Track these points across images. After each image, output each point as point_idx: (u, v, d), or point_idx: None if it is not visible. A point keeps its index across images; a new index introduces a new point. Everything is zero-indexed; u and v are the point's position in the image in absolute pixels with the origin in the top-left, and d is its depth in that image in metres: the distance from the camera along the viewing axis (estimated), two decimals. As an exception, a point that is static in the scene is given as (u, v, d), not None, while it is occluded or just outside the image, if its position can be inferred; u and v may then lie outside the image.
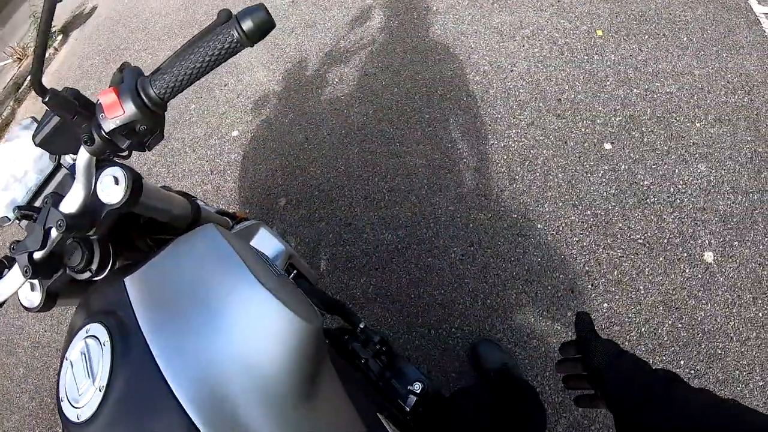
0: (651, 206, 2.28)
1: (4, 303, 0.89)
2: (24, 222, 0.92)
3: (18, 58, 6.42)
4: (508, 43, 3.04)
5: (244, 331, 0.73)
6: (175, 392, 0.66)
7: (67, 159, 1.03)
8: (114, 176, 0.88)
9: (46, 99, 0.77)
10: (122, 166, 0.90)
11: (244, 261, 0.79)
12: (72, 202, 0.83)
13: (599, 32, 2.93)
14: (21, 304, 0.94)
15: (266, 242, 1.38)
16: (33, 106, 5.52)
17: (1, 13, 10.47)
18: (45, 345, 2.96)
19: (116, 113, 0.74)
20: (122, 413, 0.68)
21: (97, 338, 0.74)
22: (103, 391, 0.68)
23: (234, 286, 0.76)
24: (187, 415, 0.65)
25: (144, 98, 0.75)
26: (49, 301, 0.93)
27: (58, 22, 6.32)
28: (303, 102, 3.24)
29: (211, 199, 3.01)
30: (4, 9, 10.35)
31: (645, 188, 2.33)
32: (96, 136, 0.76)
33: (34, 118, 1.03)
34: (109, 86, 0.77)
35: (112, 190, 0.88)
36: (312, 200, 2.78)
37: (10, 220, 0.98)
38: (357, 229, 2.58)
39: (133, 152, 0.82)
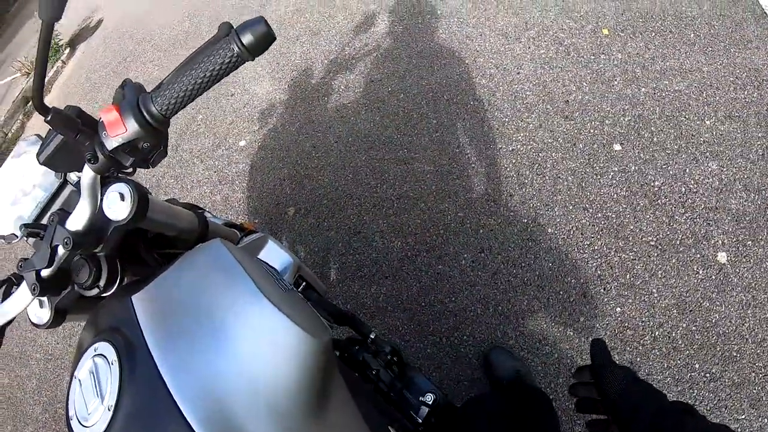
0: (662, 207, 2.26)
1: (12, 320, 0.90)
2: (32, 239, 0.92)
3: (26, 72, 6.50)
4: (514, 45, 3.02)
5: (251, 347, 0.73)
6: (182, 410, 0.65)
7: (73, 176, 1.03)
8: (119, 192, 0.88)
9: (48, 118, 0.77)
10: (128, 181, 0.90)
11: (250, 276, 0.78)
12: (78, 220, 0.83)
13: (605, 31, 2.90)
14: (30, 320, 0.94)
15: (274, 255, 1.36)
16: (42, 120, 5.55)
17: (8, 29, 10.61)
18: (57, 357, 3.00)
19: (118, 131, 0.74)
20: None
21: (105, 357, 0.74)
22: (112, 411, 0.68)
23: (241, 302, 0.76)
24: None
25: (146, 115, 0.75)
26: (58, 317, 0.93)
27: (65, 36, 6.39)
28: (309, 110, 3.25)
29: (220, 210, 3.02)
30: (11, 24, 10.48)
31: (656, 189, 2.30)
32: (99, 154, 0.77)
33: (38, 136, 1.03)
34: (112, 103, 0.77)
35: (117, 206, 0.87)
36: (320, 209, 2.79)
37: (17, 237, 0.98)
38: (366, 237, 2.58)
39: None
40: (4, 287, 0.95)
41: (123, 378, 0.70)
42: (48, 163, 0.86)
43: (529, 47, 2.98)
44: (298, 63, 3.64)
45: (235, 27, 0.72)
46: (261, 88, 3.58)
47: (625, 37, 2.84)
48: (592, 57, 2.82)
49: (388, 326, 2.30)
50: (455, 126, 2.80)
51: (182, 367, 0.70)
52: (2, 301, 0.90)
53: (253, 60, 0.73)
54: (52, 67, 6.21)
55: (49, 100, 5.62)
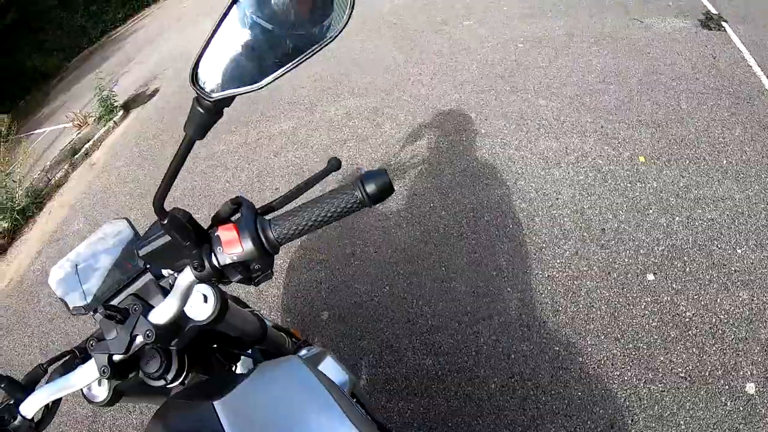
0: (693, 338, 2.31)
1: (69, 394, 0.90)
2: (98, 316, 0.91)
3: (78, 124, 6.90)
4: (554, 170, 3.18)
5: None
6: None
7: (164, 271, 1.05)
8: (204, 294, 0.91)
9: (165, 222, 0.78)
10: (211, 284, 0.92)
11: (334, 398, 0.81)
12: (162, 315, 0.86)
13: (641, 158, 3.05)
14: (84, 395, 0.94)
15: (332, 371, 1.35)
16: (88, 173, 5.87)
17: (67, 78, 11.37)
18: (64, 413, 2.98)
19: (234, 250, 0.79)
20: None
21: None
22: None
23: (327, 425, 0.78)
24: None
25: (263, 240, 0.80)
26: (114, 398, 0.94)
27: (120, 98, 6.84)
28: (351, 217, 3.39)
29: (252, 304, 3.12)
30: (71, 74, 11.24)
31: (687, 320, 2.36)
32: (207, 264, 0.81)
33: (128, 221, 1.07)
34: (217, 215, 0.85)
35: (200, 307, 0.90)
36: (354, 317, 2.86)
37: (84, 311, 0.98)
38: (398, 351, 2.63)
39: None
40: (64, 359, 0.97)
41: None
42: (147, 257, 0.88)
43: (569, 172, 3.14)
44: (344, 167, 3.80)
45: (361, 175, 0.77)
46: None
47: (660, 165, 2.98)
48: (629, 185, 2.95)
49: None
50: (494, 248, 2.92)
51: None
52: (64, 373, 0.91)
53: (370, 207, 0.77)
54: (104, 125, 6.64)
55: (95, 158, 6.01)
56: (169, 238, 0.82)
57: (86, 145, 6.45)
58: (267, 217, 0.84)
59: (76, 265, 1.01)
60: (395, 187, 3.39)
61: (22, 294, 4.46)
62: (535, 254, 2.81)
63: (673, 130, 3.14)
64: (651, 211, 2.79)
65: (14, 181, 5.83)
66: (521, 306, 2.62)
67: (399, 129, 3.99)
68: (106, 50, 13.17)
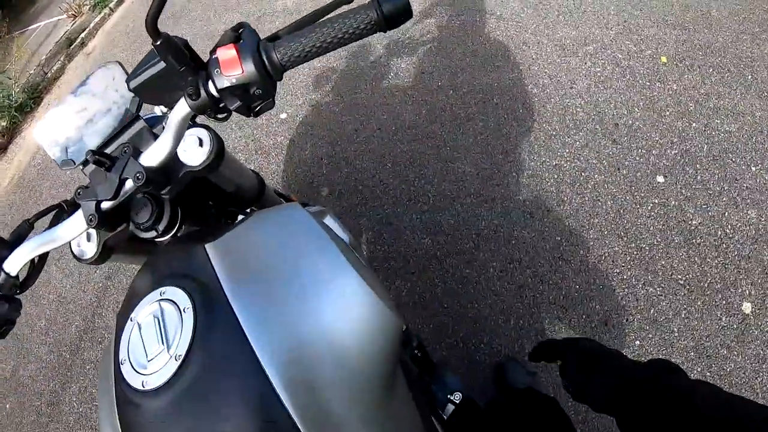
0: (696, 247, 2.25)
1: (57, 247, 0.87)
2: (88, 169, 0.88)
3: (72, 14, 6.51)
4: (570, 59, 3.00)
5: (336, 316, 0.70)
6: (265, 369, 0.63)
7: (157, 110, 1.01)
8: (199, 137, 0.89)
9: (158, 42, 0.72)
10: (207, 128, 0.90)
11: (336, 246, 0.76)
12: (154, 156, 0.81)
13: (663, 59, 2.87)
14: (72, 252, 0.93)
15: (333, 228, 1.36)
16: (84, 63, 5.61)
17: None
18: (69, 301, 3.03)
19: (234, 71, 0.72)
20: (202, 385, 0.64)
21: (175, 303, 0.71)
22: (180, 360, 0.65)
23: (328, 269, 0.73)
24: (276, 393, 0.62)
25: (266, 61, 0.73)
26: (104, 254, 0.92)
27: None
28: (355, 92, 3.24)
29: None
30: None
31: (693, 228, 2.29)
32: (202, 91, 0.74)
33: (119, 63, 1.00)
34: (218, 44, 0.75)
35: (194, 151, 0.88)
36: (355, 194, 2.79)
37: (74, 164, 0.94)
38: (398, 229, 2.59)
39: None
40: (53, 212, 0.94)
41: (197, 327, 0.67)
42: (138, 90, 0.82)
43: (586, 63, 2.96)
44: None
45: None
46: (308, 62, 3.55)
47: (682, 68, 2.81)
48: (648, 83, 2.79)
49: (407, 322, 2.29)
50: (501, 131, 2.79)
51: (264, 324, 0.67)
52: (50, 227, 0.87)
53: (385, 32, 0.72)
54: (99, 12, 6.25)
55: (91, 47, 5.71)
56: (163, 65, 0.76)
57: (81, 35, 6.06)
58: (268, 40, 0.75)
59: (65, 116, 0.97)
60: (404, 64, 3.30)
61: (24, 189, 4.30)
62: (544, 141, 2.69)
63: (700, 36, 2.95)
64: (668, 113, 2.65)
65: (9, 78, 5.60)
66: (526, 192, 2.54)
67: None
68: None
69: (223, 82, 0.72)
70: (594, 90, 2.83)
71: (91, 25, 6.18)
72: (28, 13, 9.26)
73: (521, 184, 2.58)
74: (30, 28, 7.85)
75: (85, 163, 0.91)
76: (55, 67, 5.83)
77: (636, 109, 2.70)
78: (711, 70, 2.78)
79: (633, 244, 2.29)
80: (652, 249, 2.27)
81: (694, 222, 2.31)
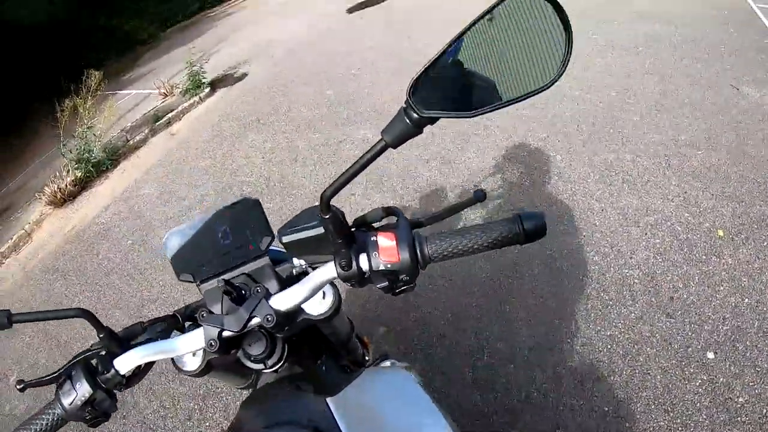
0: (741, 425, 2.32)
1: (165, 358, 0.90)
2: (204, 287, 0.94)
3: (164, 93, 7.25)
4: (632, 229, 3.23)
5: None
6: None
7: (298, 262, 1.01)
8: (323, 291, 0.93)
9: (327, 216, 0.78)
10: (331, 283, 0.92)
11: (444, 417, 0.84)
12: (286, 302, 0.86)
13: (720, 232, 3.07)
14: (174, 364, 0.95)
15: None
16: (167, 141, 6.14)
17: (159, 47, 11.87)
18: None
19: (390, 259, 0.79)
20: None
21: None
22: None
23: None
24: None
25: (418, 254, 0.80)
26: (205, 370, 0.95)
27: (209, 76, 7.19)
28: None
29: None
30: (162, 44, 11.75)
31: (738, 406, 2.37)
32: (354, 264, 0.81)
33: (259, 202, 1.02)
34: (363, 219, 0.87)
35: (317, 303, 0.93)
36: (410, 335, 2.91)
37: (192, 281, 0.96)
38: (451, 380, 2.65)
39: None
40: (166, 322, 0.98)
41: None
42: (288, 245, 0.89)
43: (646, 234, 3.18)
44: (422, 185, 3.98)
45: (520, 214, 0.79)
46: (371, 200, 3.96)
47: (738, 242, 3.01)
48: (704, 257, 2.98)
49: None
50: (560, 296, 2.95)
51: None
52: (163, 337, 0.94)
53: (521, 245, 0.79)
54: (189, 99, 6.94)
55: (176, 129, 6.34)
56: (321, 231, 0.84)
57: (169, 115, 6.73)
58: (422, 234, 0.85)
59: (195, 233, 1.00)
60: (473, 216, 3.50)
61: (83, 243, 4.72)
62: (600, 310, 2.84)
63: (756, 209, 3.14)
64: (722, 288, 2.81)
65: (95, 135, 6.09)
66: (578, 360, 2.64)
67: (483, 158, 4.11)
68: (199, 27, 13.58)
69: (379, 265, 0.80)
70: (652, 262, 3.02)
71: (179, 108, 6.80)
72: (125, 78, 10.26)
73: (575, 351, 2.67)
74: (122, 92, 8.68)
75: (202, 280, 0.95)
76: (138, 137, 6.39)
77: (691, 283, 2.86)
78: (765, 244, 2.96)
79: (678, 420, 2.38)
80: (697, 426, 2.35)
81: (740, 400, 2.40)
